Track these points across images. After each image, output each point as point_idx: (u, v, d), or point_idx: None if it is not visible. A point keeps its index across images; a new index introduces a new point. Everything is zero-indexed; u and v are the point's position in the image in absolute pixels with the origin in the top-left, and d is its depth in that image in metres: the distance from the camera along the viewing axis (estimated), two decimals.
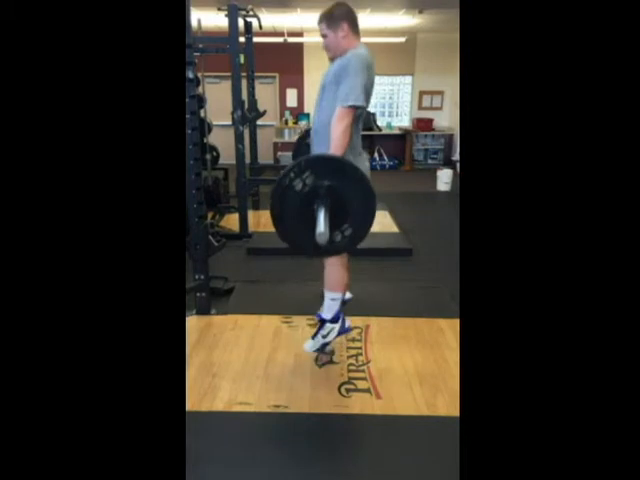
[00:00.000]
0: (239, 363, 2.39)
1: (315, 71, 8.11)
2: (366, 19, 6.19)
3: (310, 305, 2.59)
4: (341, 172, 1.57)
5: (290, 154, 7.29)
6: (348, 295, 2.22)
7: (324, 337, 2.24)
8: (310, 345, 2.28)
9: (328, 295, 2.20)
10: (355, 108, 1.75)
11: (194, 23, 3.59)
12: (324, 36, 1.88)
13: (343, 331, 2.27)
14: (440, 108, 8.45)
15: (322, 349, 2.26)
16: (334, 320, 2.21)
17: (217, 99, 6.07)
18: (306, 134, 2.45)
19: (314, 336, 2.27)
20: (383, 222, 4.79)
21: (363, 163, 1.96)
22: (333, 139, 1.75)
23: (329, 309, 2.20)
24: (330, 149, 1.76)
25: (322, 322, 2.24)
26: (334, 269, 2.02)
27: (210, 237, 2.82)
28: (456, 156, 7.57)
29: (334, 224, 1.58)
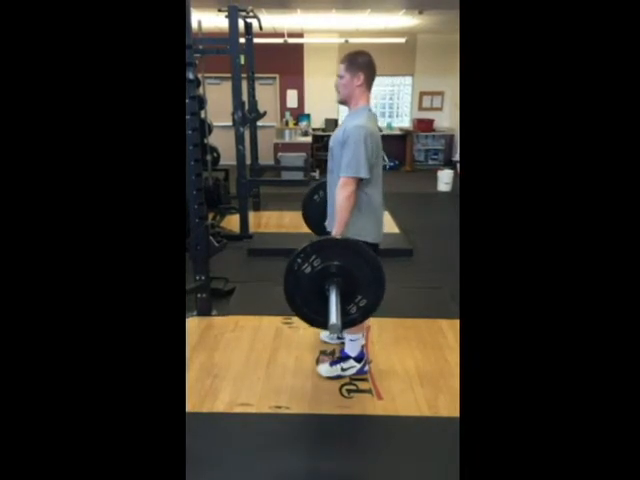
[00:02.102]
0: (240, 364, 2.39)
1: (315, 72, 8.12)
2: (366, 20, 6.20)
3: None
4: (345, 250, 1.65)
5: (291, 154, 7.33)
6: (362, 340, 2.27)
7: (343, 370, 2.25)
8: (326, 370, 2.27)
9: (348, 336, 2.23)
10: (357, 178, 1.83)
11: (194, 24, 3.59)
12: (341, 77, 1.91)
13: (361, 372, 2.27)
14: (440, 109, 8.45)
15: (336, 378, 2.26)
16: (358, 359, 2.24)
17: (217, 100, 6.08)
18: (314, 190, 2.51)
19: (333, 363, 2.27)
20: (384, 222, 4.79)
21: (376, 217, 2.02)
22: (337, 205, 1.86)
23: (352, 348, 2.22)
24: (336, 215, 1.88)
25: (346, 357, 2.26)
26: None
27: (211, 238, 2.82)
28: (456, 157, 7.57)
29: (347, 298, 1.65)
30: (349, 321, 1.67)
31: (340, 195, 1.85)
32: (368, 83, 1.92)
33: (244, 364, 2.40)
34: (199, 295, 2.86)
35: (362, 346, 2.27)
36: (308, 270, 1.63)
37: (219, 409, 2.05)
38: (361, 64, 1.89)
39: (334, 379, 2.23)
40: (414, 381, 2.25)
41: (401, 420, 1.99)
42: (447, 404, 2.07)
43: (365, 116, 1.89)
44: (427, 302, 3.14)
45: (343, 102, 1.99)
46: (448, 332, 2.70)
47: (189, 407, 2.02)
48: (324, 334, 2.53)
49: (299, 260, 1.62)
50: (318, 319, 1.71)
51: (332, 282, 1.64)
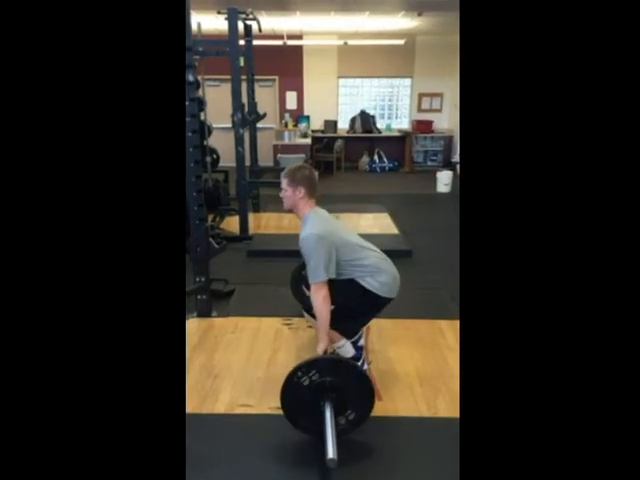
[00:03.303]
0: (240, 365, 2.40)
1: (315, 74, 8.13)
2: (365, 21, 6.21)
3: None
4: (338, 369, 1.79)
5: (290, 156, 7.34)
6: (362, 342, 2.31)
7: None
8: None
9: (335, 346, 2.27)
10: (323, 282, 1.97)
11: (194, 26, 3.60)
12: (284, 190, 2.09)
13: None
14: (439, 110, 8.46)
15: None
16: (355, 359, 2.24)
17: (217, 102, 6.08)
18: (300, 267, 2.63)
19: None
20: (383, 224, 4.80)
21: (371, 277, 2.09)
22: (316, 310, 2.01)
23: (345, 352, 2.25)
24: (317, 322, 2.03)
25: None
26: (330, 331, 2.10)
27: (211, 239, 2.83)
28: (456, 158, 7.57)
29: (338, 411, 1.77)
30: (339, 432, 1.77)
31: (315, 301, 1.99)
32: (310, 194, 2.09)
33: (244, 365, 2.40)
34: (199, 296, 2.86)
35: (358, 347, 2.27)
36: (307, 383, 1.76)
37: (219, 410, 2.05)
38: (300, 179, 2.06)
39: None
40: (414, 382, 2.25)
41: (401, 421, 2.00)
42: (447, 405, 2.07)
43: (310, 223, 2.04)
44: (427, 303, 3.14)
45: (290, 210, 2.16)
46: (448, 333, 2.70)
47: (189, 408, 2.02)
48: None
49: (299, 374, 1.76)
50: (312, 427, 1.81)
51: (327, 400, 1.75)
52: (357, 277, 2.06)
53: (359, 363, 2.26)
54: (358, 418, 1.82)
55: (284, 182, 2.08)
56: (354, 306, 2.11)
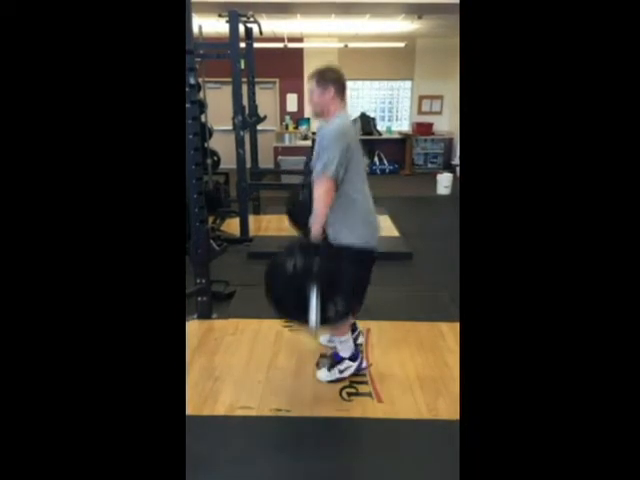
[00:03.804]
0: (240, 367, 2.40)
1: None
2: (366, 24, 6.22)
3: None
4: (325, 253, 1.75)
5: (291, 158, 7.35)
6: (360, 339, 2.30)
7: (341, 372, 2.26)
8: (325, 375, 2.28)
9: (336, 339, 2.26)
10: (329, 177, 1.92)
11: (195, 29, 3.61)
12: (312, 92, 2.02)
13: (360, 369, 2.29)
14: (440, 112, 8.48)
15: (336, 382, 2.27)
16: (352, 358, 2.25)
17: (218, 104, 6.09)
18: (299, 189, 2.58)
19: (330, 368, 2.28)
20: (383, 226, 4.76)
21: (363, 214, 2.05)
22: (314, 201, 1.95)
23: (344, 349, 2.24)
24: (313, 211, 1.97)
25: (340, 359, 2.28)
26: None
27: (211, 241, 2.83)
28: (456, 160, 7.59)
29: (326, 298, 1.72)
30: (327, 321, 1.74)
31: (315, 193, 1.94)
32: (339, 95, 2.01)
33: (244, 367, 2.40)
34: (199, 298, 2.87)
35: (356, 345, 2.27)
36: (290, 268, 1.70)
37: (220, 412, 2.05)
38: (329, 79, 2.00)
39: (335, 382, 2.24)
40: (414, 384, 2.25)
41: (401, 423, 2.00)
42: (447, 407, 2.07)
43: (339, 121, 1.98)
44: (427, 305, 3.14)
45: (317, 114, 2.09)
46: (448, 335, 2.70)
47: (190, 410, 2.02)
48: (324, 338, 2.54)
49: (282, 258, 1.70)
50: (296, 316, 1.77)
51: (312, 283, 1.69)
52: (336, 229, 1.99)
53: (357, 361, 2.26)
54: (347, 305, 1.78)
55: (312, 83, 2.00)
56: (348, 277, 1.98)
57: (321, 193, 1.92)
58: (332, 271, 1.71)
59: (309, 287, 1.71)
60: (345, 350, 2.24)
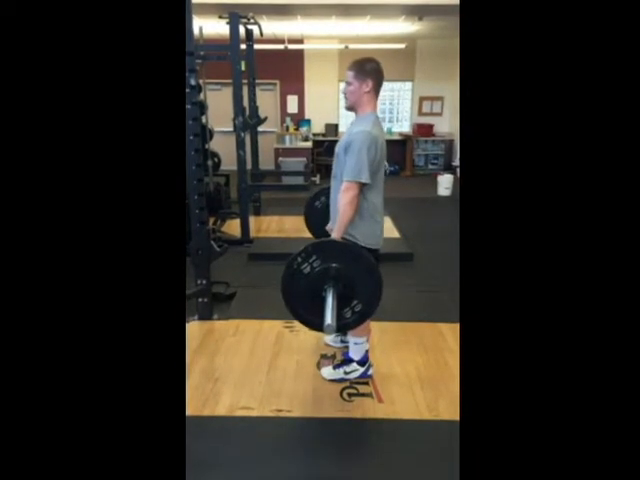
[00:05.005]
0: (241, 368, 2.40)
1: (316, 78, 8.16)
2: (366, 26, 6.23)
3: None
4: (346, 254, 1.67)
5: (291, 159, 7.35)
6: (366, 345, 2.28)
7: (346, 373, 2.26)
8: (328, 373, 2.28)
9: (352, 339, 2.24)
10: (359, 183, 1.85)
11: (196, 31, 3.63)
12: (349, 83, 1.93)
13: (364, 375, 2.28)
14: (440, 114, 8.48)
15: (338, 381, 2.27)
16: (361, 363, 2.25)
17: (218, 106, 6.10)
18: (316, 196, 2.55)
19: (336, 367, 2.28)
20: (384, 227, 4.80)
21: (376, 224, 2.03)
22: (339, 210, 1.88)
23: (356, 351, 2.24)
24: (337, 218, 1.90)
25: (349, 360, 2.28)
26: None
27: (212, 242, 2.84)
28: (456, 161, 7.58)
29: (344, 302, 1.67)
30: (344, 325, 1.69)
31: (342, 200, 1.87)
32: (376, 89, 1.94)
33: (245, 368, 2.40)
34: (200, 299, 2.87)
35: (366, 350, 2.27)
36: (307, 270, 1.64)
37: (220, 412, 2.05)
38: (369, 71, 1.91)
39: (336, 382, 2.24)
40: (415, 384, 2.25)
41: (402, 423, 2.00)
42: (447, 407, 2.07)
43: (371, 122, 1.90)
44: (428, 306, 3.14)
45: (351, 108, 2.00)
46: (448, 336, 2.70)
47: (191, 410, 2.02)
48: (328, 337, 2.54)
49: (299, 259, 1.63)
50: (313, 320, 1.72)
51: (329, 286, 1.65)
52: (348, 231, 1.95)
53: (364, 367, 2.26)
54: (365, 309, 1.72)
55: (350, 75, 1.90)
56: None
57: (348, 200, 1.85)
58: (350, 274, 1.67)
59: (326, 290, 1.66)
60: (357, 353, 2.24)
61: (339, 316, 1.65)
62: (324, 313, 1.58)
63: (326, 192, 2.19)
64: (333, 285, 1.66)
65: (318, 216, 2.42)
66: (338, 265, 1.65)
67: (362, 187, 1.89)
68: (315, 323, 1.72)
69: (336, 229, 1.91)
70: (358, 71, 1.91)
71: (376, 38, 7.31)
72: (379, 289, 1.69)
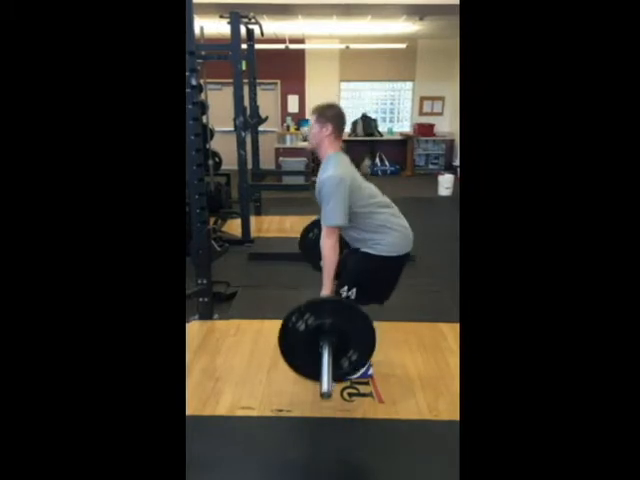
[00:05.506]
0: (242, 367, 2.40)
1: (316, 77, 8.15)
2: (367, 26, 6.23)
3: None
4: (337, 309, 1.78)
5: (292, 159, 7.35)
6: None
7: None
8: None
9: None
10: (337, 227, 1.94)
11: (197, 31, 3.62)
12: (311, 127, 2.05)
13: (365, 375, 2.28)
14: (441, 114, 8.47)
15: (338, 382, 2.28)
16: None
17: (219, 105, 6.10)
18: (310, 227, 2.60)
19: None
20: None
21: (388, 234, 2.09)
22: (323, 256, 1.98)
23: None
24: (324, 267, 1.99)
25: None
26: None
27: (213, 242, 2.84)
28: (457, 161, 7.58)
29: (340, 353, 1.75)
30: (342, 374, 1.78)
31: (324, 246, 1.96)
32: (336, 133, 2.03)
33: (246, 368, 2.40)
34: (201, 299, 2.87)
35: None
36: (302, 328, 1.73)
37: (221, 412, 2.05)
38: (329, 116, 2.01)
39: (337, 382, 2.24)
40: (415, 384, 2.25)
41: (402, 423, 2.00)
42: (448, 407, 2.07)
43: (334, 164, 1.99)
44: (428, 306, 3.14)
45: (314, 149, 2.10)
46: (449, 336, 2.70)
47: (191, 410, 2.02)
48: None
49: (294, 318, 1.73)
50: (312, 373, 1.81)
51: (325, 340, 1.73)
52: (368, 246, 2.02)
53: (366, 366, 2.26)
54: (361, 356, 1.80)
55: (312, 118, 2.03)
56: (374, 279, 2.08)
57: (330, 246, 1.94)
58: (344, 327, 1.74)
59: (322, 346, 1.74)
60: None
61: (336, 366, 1.73)
62: (321, 376, 1.65)
63: (317, 223, 2.23)
64: (328, 340, 1.74)
65: (313, 248, 2.48)
66: (332, 320, 1.74)
67: (360, 216, 1.99)
68: (314, 376, 1.81)
69: (325, 276, 1.99)
70: (319, 116, 2.02)
71: (377, 38, 7.31)
72: (373, 338, 1.78)
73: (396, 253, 2.08)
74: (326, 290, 1.96)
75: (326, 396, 1.61)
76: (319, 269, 2.12)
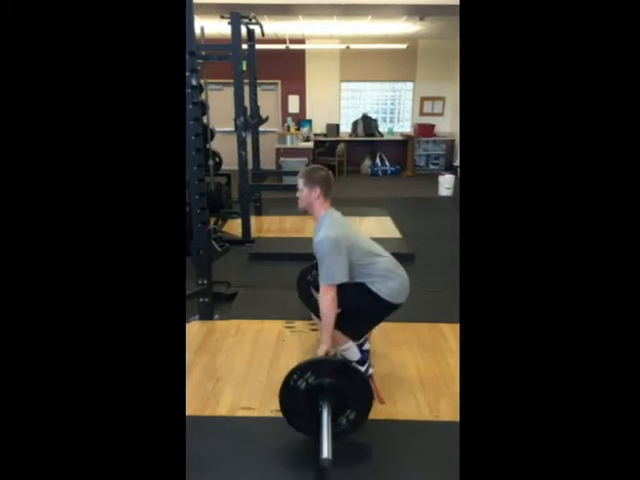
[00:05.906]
0: (242, 368, 2.40)
1: (317, 78, 8.16)
2: (367, 26, 6.23)
3: None
4: (337, 369, 1.82)
5: (293, 159, 7.35)
6: (367, 345, 2.32)
7: None
8: None
9: (340, 349, 2.27)
10: (334, 284, 1.98)
11: (197, 31, 3.63)
12: (300, 190, 2.11)
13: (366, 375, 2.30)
14: (441, 114, 8.48)
15: None
16: (361, 362, 2.26)
17: (220, 106, 6.10)
18: (306, 271, 2.66)
19: None
20: (385, 227, 4.80)
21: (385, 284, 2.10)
22: (322, 313, 2.02)
23: (350, 355, 2.26)
24: (323, 324, 2.04)
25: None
26: (335, 333, 2.11)
27: (213, 242, 2.84)
28: (458, 161, 7.58)
29: (339, 412, 1.79)
30: (339, 432, 1.79)
31: (323, 303, 1.99)
32: (324, 195, 2.09)
33: (246, 368, 2.40)
34: (201, 299, 2.87)
35: (364, 350, 2.27)
36: (303, 386, 1.77)
37: (221, 413, 2.05)
38: (316, 179, 2.08)
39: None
40: (415, 385, 2.25)
41: (402, 424, 2.00)
42: (448, 408, 2.07)
43: (326, 225, 2.04)
44: (429, 306, 3.14)
45: (305, 210, 2.15)
46: (449, 336, 2.70)
47: (192, 410, 2.03)
48: None
49: (295, 376, 1.77)
50: (311, 430, 1.83)
51: (324, 400, 1.76)
52: (367, 282, 2.07)
53: (365, 366, 2.26)
54: (358, 416, 1.82)
55: (300, 182, 2.10)
56: (362, 310, 2.11)
57: (326, 305, 1.98)
58: (342, 387, 1.78)
59: (321, 406, 1.77)
60: (351, 355, 2.24)
61: (335, 424, 1.76)
62: (320, 442, 1.66)
63: (315, 266, 2.24)
64: (327, 400, 1.77)
65: (309, 290, 2.51)
66: (331, 380, 1.78)
67: (363, 267, 2.04)
68: (310, 433, 1.84)
69: (324, 331, 2.01)
70: (307, 179, 2.09)
71: (377, 38, 7.31)
72: (370, 399, 1.82)
73: (391, 299, 2.11)
74: (324, 345, 1.99)
75: (326, 462, 1.62)
76: (318, 314, 2.15)
